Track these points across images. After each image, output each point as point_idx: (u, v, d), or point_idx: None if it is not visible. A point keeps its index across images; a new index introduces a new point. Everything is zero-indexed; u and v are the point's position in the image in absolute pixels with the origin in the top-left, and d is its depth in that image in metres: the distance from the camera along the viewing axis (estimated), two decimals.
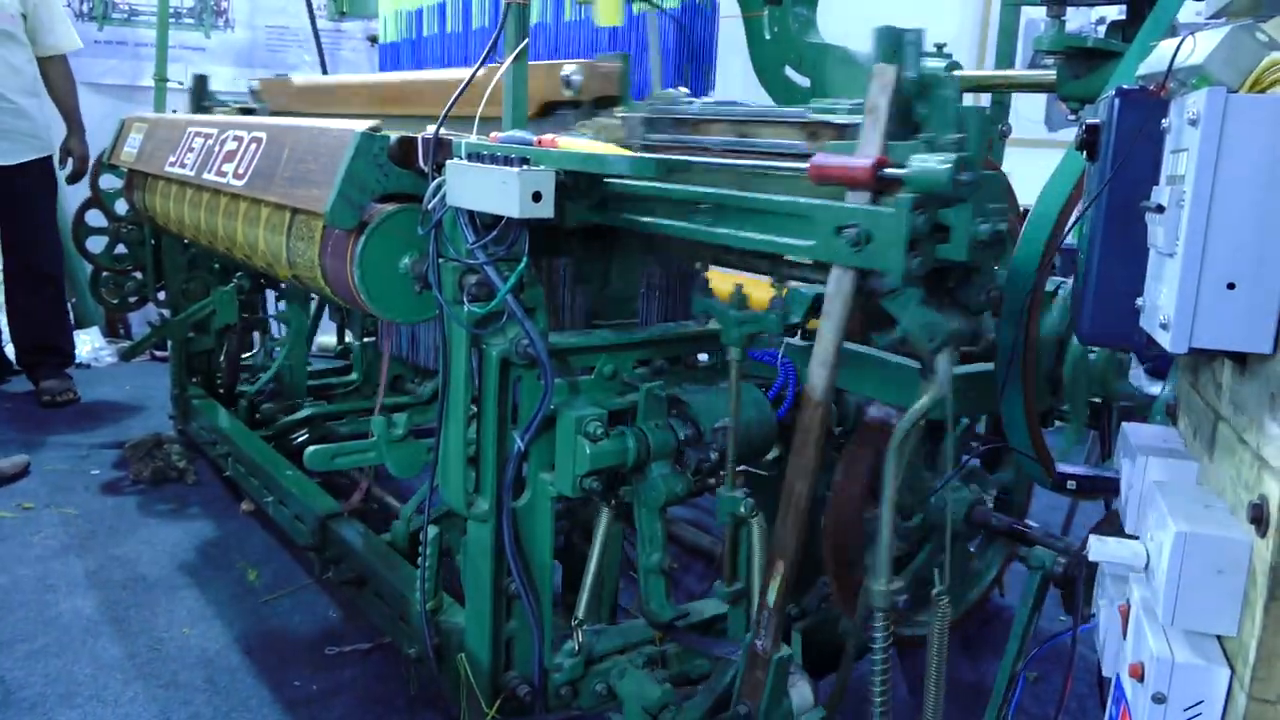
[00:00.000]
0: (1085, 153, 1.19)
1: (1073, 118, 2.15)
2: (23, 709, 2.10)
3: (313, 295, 3.28)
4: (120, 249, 3.61)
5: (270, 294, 3.66)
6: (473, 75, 1.71)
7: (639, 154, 1.66)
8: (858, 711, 1.45)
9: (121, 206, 3.47)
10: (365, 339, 3.50)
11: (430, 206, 1.61)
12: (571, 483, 1.56)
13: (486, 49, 1.71)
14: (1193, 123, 0.93)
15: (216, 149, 2.36)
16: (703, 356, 1.89)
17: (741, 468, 1.69)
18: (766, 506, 1.54)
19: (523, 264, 1.56)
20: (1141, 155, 1.09)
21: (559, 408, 1.58)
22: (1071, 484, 1.64)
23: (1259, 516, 0.89)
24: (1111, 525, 1.28)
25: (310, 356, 3.48)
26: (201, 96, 3.55)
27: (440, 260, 1.61)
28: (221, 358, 3.58)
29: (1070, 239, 1.40)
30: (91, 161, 3.85)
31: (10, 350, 4.35)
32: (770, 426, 1.67)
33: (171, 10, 4.68)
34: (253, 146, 2.17)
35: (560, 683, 1.70)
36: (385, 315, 1.78)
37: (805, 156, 1.38)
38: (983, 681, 2.27)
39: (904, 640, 1.96)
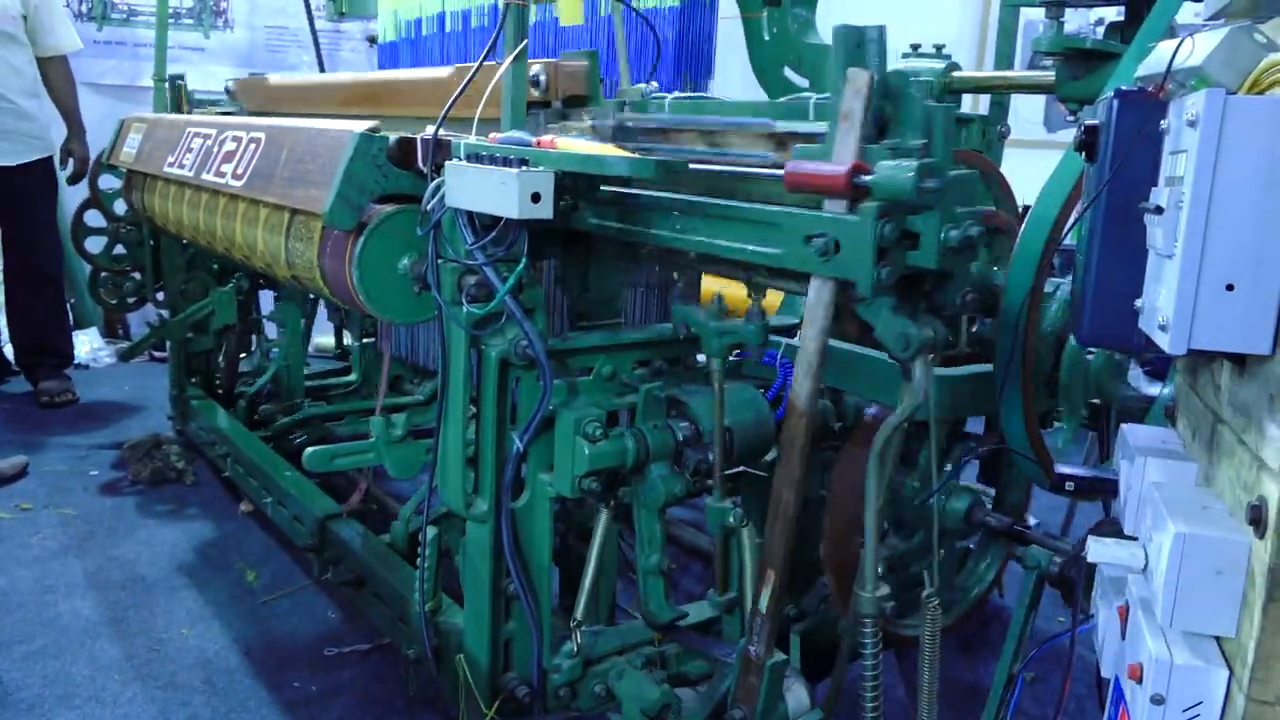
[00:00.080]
0: (1084, 154, 1.19)
1: (1071, 119, 2.16)
2: (21, 710, 2.10)
3: (310, 295, 3.28)
4: (119, 249, 3.61)
5: (264, 295, 3.65)
6: (473, 75, 1.71)
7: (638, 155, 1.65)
8: (853, 713, 1.45)
9: (120, 207, 3.47)
10: (364, 340, 3.50)
11: (429, 207, 1.61)
12: (570, 483, 1.56)
13: (486, 49, 1.71)
14: (1191, 124, 0.93)
15: (215, 149, 2.36)
16: (702, 357, 1.89)
17: (740, 469, 1.69)
18: (765, 508, 1.53)
19: (521, 265, 1.56)
20: (1140, 156, 1.09)
21: (558, 408, 1.58)
22: (1070, 485, 1.64)
23: (1258, 518, 0.89)
24: (1110, 527, 1.29)
25: (309, 357, 3.48)
26: (178, 97, 3.50)
27: (439, 261, 1.61)
28: (220, 358, 3.58)
29: (1069, 240, 1.40)
30: (91, 162, 3.85)
31: (9, 351, 4.35)
32: (768, 428, 1.66)
33: (171, 11, 4.66)
34: (251, 147, 2.17)
35: (559, 684, 1.70)
36: (384, 316, 1.78)
37: (777, 166, 1.34)
38: (981, 682, 2.27)
39: (903, 640, 1.96)
